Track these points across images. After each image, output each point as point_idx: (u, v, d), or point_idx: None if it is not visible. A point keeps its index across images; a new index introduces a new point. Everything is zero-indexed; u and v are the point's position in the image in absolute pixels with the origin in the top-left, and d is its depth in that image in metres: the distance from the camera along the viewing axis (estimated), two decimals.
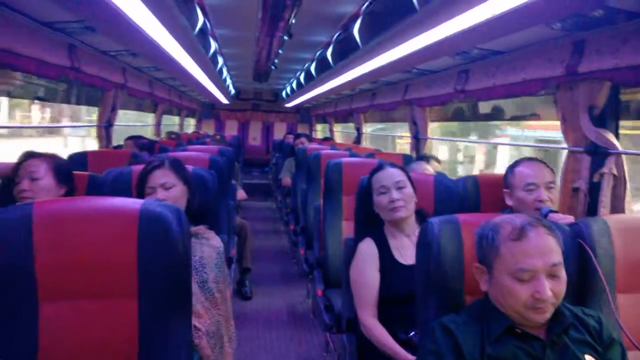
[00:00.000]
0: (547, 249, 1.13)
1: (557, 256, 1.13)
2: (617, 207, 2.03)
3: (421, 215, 1.97)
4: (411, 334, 1.68)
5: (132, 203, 1.21)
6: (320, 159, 3.40)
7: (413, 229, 1.92)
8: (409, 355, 1.64)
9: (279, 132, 10.21)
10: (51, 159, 1.97)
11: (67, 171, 1.99)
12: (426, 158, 3.32)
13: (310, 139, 6.47)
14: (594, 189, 2.11)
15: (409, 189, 1.92)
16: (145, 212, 1.17)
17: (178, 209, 1.21)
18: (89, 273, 1.15)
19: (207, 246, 1.69)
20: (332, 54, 3.98)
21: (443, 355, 1.13)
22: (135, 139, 3.93)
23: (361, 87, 5.47)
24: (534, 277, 1.11)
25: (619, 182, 2.04)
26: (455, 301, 1.28)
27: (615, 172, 2.03)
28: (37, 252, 1.12)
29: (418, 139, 4.33)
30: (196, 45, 3.33)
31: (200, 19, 3.20)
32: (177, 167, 1.79)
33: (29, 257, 1.12)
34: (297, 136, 5.99)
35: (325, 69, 4.38)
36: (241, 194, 4.46)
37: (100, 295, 1.15)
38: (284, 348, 3.09)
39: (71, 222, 1.16)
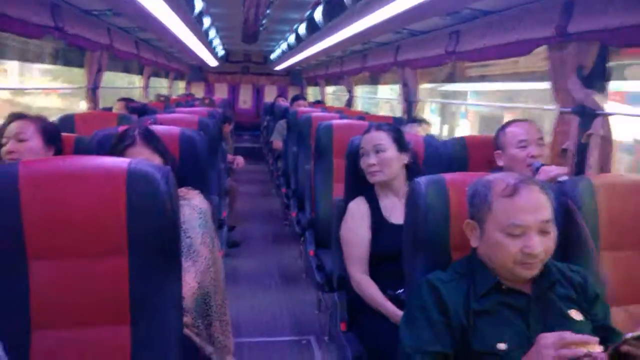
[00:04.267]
0: (539, 205, 1.15)
1: (548, 213, 1.15)
2: (604, 167, 2.06)
3: (412, 171, 1.96)
4: (399, 291, 1.72)
5: (120, 162, 1.21)
6: (311, 122, 3.39)
7: (403, 188, 1.93)
8: (398, 310, 1.68)
9: (270, 95, 10.10)
10: (39, 121, 1.94)
11: (54, 132, 1.97)
12: (417, 121, 3.32)
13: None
14: (582, 150, 2.13)
15: (387, 153, 1.91)
16: (133, 171, 1.17)
17: (166, 169, 1.21)
18: (78, 232, 1.15)
19: (188, 207, 1.65)
20: (322, 14, 3.89)
21: (429, 311, 1.17)
22: (126, 101, 3.88)
23: (352, 48, 5.39)
24: (524, 232, 1.13)
25: (606, 143, 2.05)
26: (442, 258, 1.31)
27: (602, 133, 2.04)
28: (24, 212, 1.12)
29: (409, 102, 4.31)
30: (181, 4, 3.25)
31: None
32: (150, 141, 1.71)
33: (16, 216, 1.12)
34: (295, 98, 5.93)
35: (314, 30, 4.29)
36: (239, 160, 4.43)
37: (91, 254, 1.16)
38: (276, 307, 3.16)
39: (58, 181, 1.15)
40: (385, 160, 1.90)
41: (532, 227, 1.13)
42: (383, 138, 1.93)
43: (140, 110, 3.60)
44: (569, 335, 1.00)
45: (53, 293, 1.15)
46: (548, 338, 1.01)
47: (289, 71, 10.24)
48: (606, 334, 1.17)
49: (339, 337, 1.86)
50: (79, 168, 1.20)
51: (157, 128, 1.89)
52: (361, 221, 1.90)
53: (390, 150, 1.92)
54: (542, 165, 1.82)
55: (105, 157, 1.28)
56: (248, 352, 2.60)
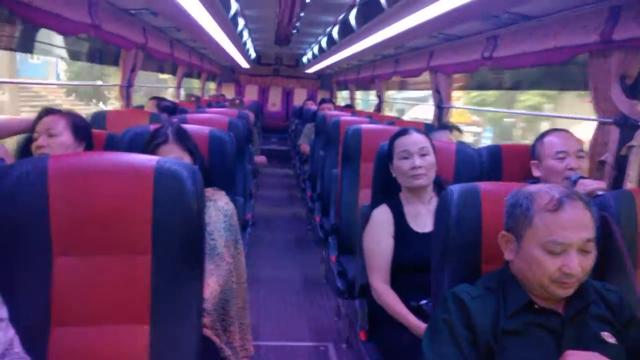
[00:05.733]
0: (583, 223, 1.09)
1: (591, 231, 1.09)
2: None
3: (439, 184, 1.93)
4: (423, 302, 1.67)
5: (148, 160, 1.20)
6: (340, 126, 3.36)
7: (430, 197, 1.89)
8: (419, 322, 1.64)
9: (299, 98, 10.11)
10: (69, 116, 1.96)
11: (85, 128, 1.99)
12: (449, 127, 3.24)
13: (334, 105, 6.39)
14: (621, 163, 2.04)
15: (431, 157, 1.88)
16: (160, 169, 1.16)
17: (193, 168, 1.20)
18: (104, 228, 1.15)
19: (214, 209, 1.66)
20: (356, 17, 3.86)
21: (455, 326, 1.11)
22: (157, 100, 3.92)
23: (384, 52, 5.34)
24: (565, 251, 1.07)
25: None
26: (472, 270, 1.26)
27: None
28: (52, 206, 1.12)
29: (441, 108, 4.24)
30: (217, 5, 3.27)
31: None
32: (182, 139, 1.73)
33: (44, 210, 1.12)
34: (322, 101, 5.91)
35: (348, 33, 4.27)
36: (261, 158, 4.46)
37: (114, 250, 1.15)
38: (295, 312, 3.13)
39: (87, 177, 1.15)
40: (431, 164, 1.87)
41: (573, 246, 1.07)
42: (426, 142, 1.89)
43: (170, 109, 3.62)
44: (600, 357, 0.94)
45: (75, 290, 1.15)
46: (577, 356, 0.96)
47: (319, 75, 10.24)
48: None
49: (357, 345, 1.83)
50: (108, 164, 1.20)
51: (187, 127, 1.90)
52: (384, 230, 1.86)
53: (432, 155, 1.88)
54: (581, 177, 1.74)
55: (134, 154, 1.27)
56: (266, 355, 2.58)
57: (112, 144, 2.04)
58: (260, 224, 4.50)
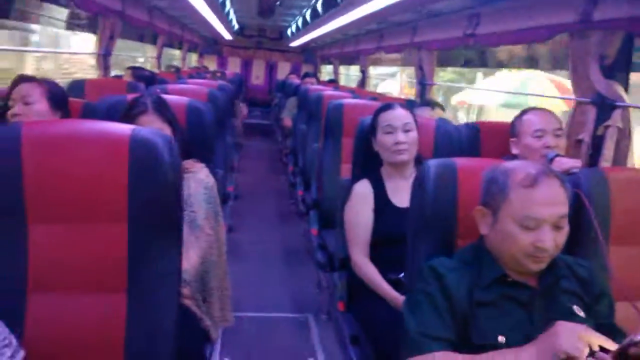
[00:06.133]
0: (557, 200, 1.11)
1: (565, 208, 1.11)
2: (620, 160, 2.01)
3: (419, 161, 1.95)
4: (401, 275, 1.70)
5: (123, 128, 1.18)
6: (322, 100, 3.34)
7: (411, 172, 1.90)
8: (397, 294, 1.67)
9: (283, 72, 10.01)
10: (46, 84, 1.92)
11: (61, 97, 1.95)
12: (431, 104, 3.25)
13: (318, 80, 6.35)
14: (598, 142, 2.07)
15: (414, 133, 1.88)
16: (136, 137, 1.14)
17: (169, 137, 1.19)
18: (79, 197, 1.13)
19: (194, 181, 1.65)
20: None
21: (434, 297, 1.14)
22: (135, 70, 3.84)
23: (368, 27, 5.30)
24: (539, 226, 1.09)
25: (624, 135, 2.00)
26: (446, 244, 1.28)
27: (620, 125, 1.99)
28: (25, 173, 1.10)
29: (423, 85, 4.24)
30: None
31: None
32: (161, 110, 1.70)
33: (17, 177, 1.10)
34: (305, 75, 5.86)
35: (332, 6, 4.21)
36: (243, 109, 4.40)
37: (91, 219, 1.14)
38: (277, 284, 3.17)
39: (61, 144, 1.13)
40: (414, 140, 1.88)
41: (547, 221, 1.09)
42: (410, 118, 1.90)
43: (148, 79, 3.56)
44: (589, 330, 0.98)
45: (51, 257, 1.14)
46: (570, 326, 0.99)
47: (303, 49, 10.12)
48: (609, 331, 1.14)
49: (336, 317, 1.86)
50: (83, 132, 1.18)
51: (165, 97, 1.87)
52: (365, 203, 1.87)
53: (415, 132, 1.89)
54: (557, 155, 1.77)
55: (109, 122, 1.25)
56: (247, 326, 2.61)
57: (89, 113, 2.00)
58: (242, 197, 4.50)
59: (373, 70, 7.13)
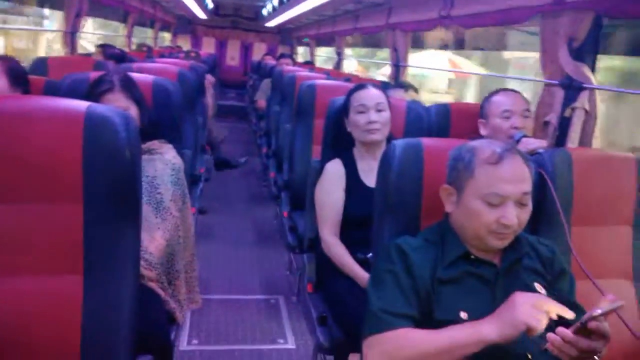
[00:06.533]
0: (522, 177, 1.12)
1: (528, 185, 1.13)
2: (585, 142, 2.03)
3: (389, 141, 1.94)
4: (369, 255, 1.70)
5: (78, 105, 1.13)
6: (295, 81, 3.30)
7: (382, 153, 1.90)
8: (365, 274, 1.67)
9: (259, 53, 9.86)
10: (5, 61, 1.85)
11: (21, 74, 1.88)
12: (405, 86, 3.24)
13: (294, 61, 6.27)
14: (565, 124, 2.10)
15: (387, 113, 1.88)
16: (91, 115, 1.10)
17: (126, 115, 1.14)
18: (32, 175, 1.09)
19: (160, 162, 1.61)
20: None
21: (398, 274, 1.14)
22: (104, 47, 3.72)
23: (344, 8, 5.24)
24: (503, 202, 1.10)
25: (590, 117, 2.02)
26: (411, 223, 1.28)
27: (587, 107, 2.01)
28: None
29: (397, 67, 4.23)
30: None
31: None
32: (128, 88, 1.65)
33: None
34: (281, 56, 5.78)
35: None
36: (209, 78, 4.39)
37: (45, 199, 1.10)
38: (248, 266, 3.15)
39: (12, 120, 1.08)
40: (386, 120, 1.87)
41: (511, 198, 1.11)
42: (383, 98, 1.89)
43: (118, 57, 3.45)
44: (547, 299, 0.99)
45: (5, 238, 1.09)
46: (527, 296, 1.00)
47: (279, 29, 9.99)
48: (569, 308, 1.16)
49: (305, 298, 1.85)
50: (36, 107, 1.12)
51: (132, 76, 1.81)
52: (336, 183, 1.87)
53: (388, 111, 1.89)
54: (524, 136, 1.78)
55: (64, 99, 1.20)
56: (216, 308, 2.60)
57: (51, 91, 1.93)
58: (215, 179, 4.45)
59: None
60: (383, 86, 3.43)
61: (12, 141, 1.09)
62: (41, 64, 2.86)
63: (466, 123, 2.01)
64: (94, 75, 1.82)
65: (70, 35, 3.97)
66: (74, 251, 1.10)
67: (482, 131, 1.93)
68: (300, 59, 9.23)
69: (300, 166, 2.63)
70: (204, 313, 2.50)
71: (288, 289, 2.85)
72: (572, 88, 2.06)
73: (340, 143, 1.97)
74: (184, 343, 2.28)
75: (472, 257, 1.16)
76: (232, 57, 10.42)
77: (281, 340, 2.37)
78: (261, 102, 5.28)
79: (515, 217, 1.10)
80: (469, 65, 8.10)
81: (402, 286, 1.13)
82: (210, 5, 8.38)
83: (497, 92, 1.94)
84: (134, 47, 6.48)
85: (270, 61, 6.53)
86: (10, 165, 1.08)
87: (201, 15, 8.49)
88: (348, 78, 3.91)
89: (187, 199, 1.71)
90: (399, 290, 1.13)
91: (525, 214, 1.13)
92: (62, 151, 1.09)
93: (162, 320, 1.49)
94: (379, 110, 1.86)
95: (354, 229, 1.81)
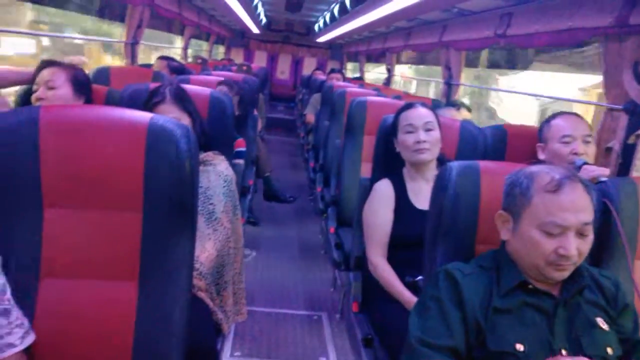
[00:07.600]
0: (582, 206, 1.07)
1: (589, 215, 1.07)
2: None
3: (442, 162, 1.90)
4: (418, 278, 1.66)
5: (142, 116, 1.18)
6: (346, 97, 3.32)
7: (433, 174, 1.86)
8: (413, 298, 1.64)
9: (309, 67, 9.97)
10: (70, 69, 1.93)
11: (85, 83, 1.96)
12: (457, 105, 3.19)
13: (343, 76, 6.31)
14: (628, 151, 2.00)
15: (436, 132, 1.85)
16: (154, 126, 1.13)
17: (187, 128, 1.18)
18: (95, 183, 1.13)
19: (214, 174, 1.65)
20: None
21: (444, 302, 1.10)
22: (167, 60, 3.86)
23: (397, 25, 5.23)
24: (563, 233, 1.05)
25: None
26: (465, 249, 1.24)
27: None
28: (42, 157, 1.10)
29: (449, 85, 4.17)
30: None
31: None
32: (180, 99, 1.71)
33: (34, 161, 1.10)
34: (331, 71, 5.82)
35: (360, 2, 4.17)
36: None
37: (105, 206, 1.14)
38: (292, 280, 3.15)
39: (78, 129, 1.13)
40: (436, 140, 1.84)
41: (571, 228, 1.05)
42: (432, 117, 1.87)
43: (179, 70, 3.57)
44: None
45: (65, 243, 1.14)
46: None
47: (330, 45, 10.08)
48: (633, 347, 1.09)
49: (349, 317, 1.83)
50: (100, 118, 1.17)
51: (188, 88, 1.87)
52: (385, 204, 1.84)
53: (437, 131, 1.86)
54: (585, 163, 1.70)
55: (128, 110, 1.24)
56: (259, 321, 2.61)
57: (112, 100, 2.02)
58: (261, 192, 4.50)
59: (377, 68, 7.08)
60: (434, 105, 3.41)
61: (76, 148, 1.13)
62: (104, 74, 2.99)
63: (523, 146, 1.95)
64: (152, 85, 1.89)
65: (132, 46, 4.14)
66: (130, 258, 1.14)
67: (540, 155, 1.86)
68: (349, 74, 9.27)
69: (348, 182, 2.63)
70: (247, 324, 2.51)
71: (331, 306, 2.82)
72: (637, 114, 1.96)
73: (390, 163, 1.95)
74: (227, 354, 2.30)
75: (530, 286, 1.12)
76: (282, 71, 10.58)
77: (323, 358, 2.35)
78: (310, 117, 5.33)
79: (575, 248, 1.05)
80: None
81: (446, 315, 1.09)
82: (264, 20, 8.57)
83: (557, 115, 1.87)
84: (190, 59, 6.69)
85: (320, 76, 6.59)
86: (74, 172, 1.13)
87: (255, 29, 8.69)
88: (398, 95, 3.88)
89: (238, 210, 1.73)
90: (442, 320, 1.09)
91: (586, 244, 1.08)
92: (125, 161, 1.13)
93: (209, 331, 1.51)
94: (428, 130, 1.83)
95: (402, 250, 1.78)
